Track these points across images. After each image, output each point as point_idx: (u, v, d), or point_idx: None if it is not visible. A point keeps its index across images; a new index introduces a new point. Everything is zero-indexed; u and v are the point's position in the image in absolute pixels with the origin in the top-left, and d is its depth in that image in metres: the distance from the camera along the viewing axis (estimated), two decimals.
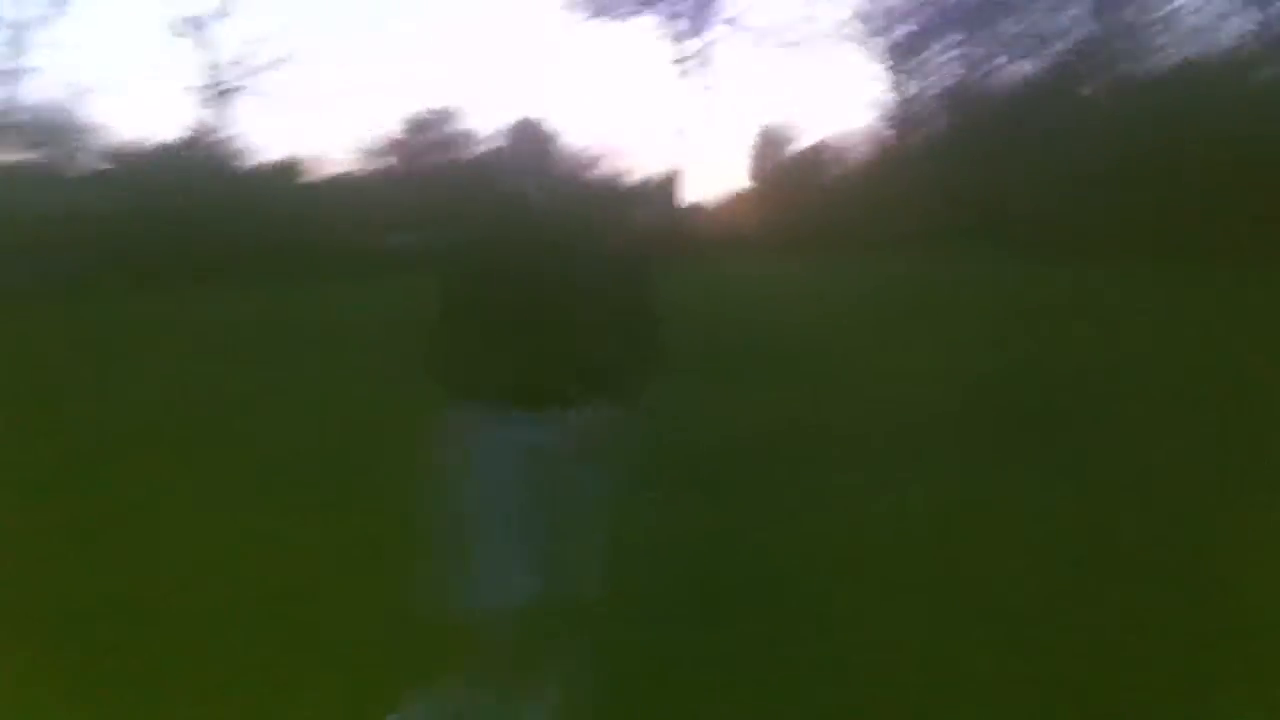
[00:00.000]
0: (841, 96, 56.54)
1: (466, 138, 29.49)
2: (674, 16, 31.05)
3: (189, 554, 4.29)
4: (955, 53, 28.04)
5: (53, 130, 27.40)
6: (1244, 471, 5.12)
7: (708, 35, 30.74)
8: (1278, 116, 18.21)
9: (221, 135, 27.14)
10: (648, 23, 32.42)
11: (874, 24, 29.42)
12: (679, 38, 31.02)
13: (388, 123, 33.08)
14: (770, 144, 33.99)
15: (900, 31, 28.91)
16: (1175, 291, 12.26)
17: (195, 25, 26.79)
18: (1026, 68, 26.06)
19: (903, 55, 28.83)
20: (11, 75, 24.09)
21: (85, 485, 5.45)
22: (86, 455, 6.24)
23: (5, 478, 5.60)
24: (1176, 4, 24.86)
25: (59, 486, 5.43)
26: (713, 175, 58.75)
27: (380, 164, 29.64)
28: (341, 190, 26.98)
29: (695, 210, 30.37)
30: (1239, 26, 24.58)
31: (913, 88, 28.71)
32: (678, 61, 31.06)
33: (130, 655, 3.29)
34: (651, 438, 2.86)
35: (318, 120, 52.43)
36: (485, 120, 29.99)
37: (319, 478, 5.48)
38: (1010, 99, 24.37)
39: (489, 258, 2.63)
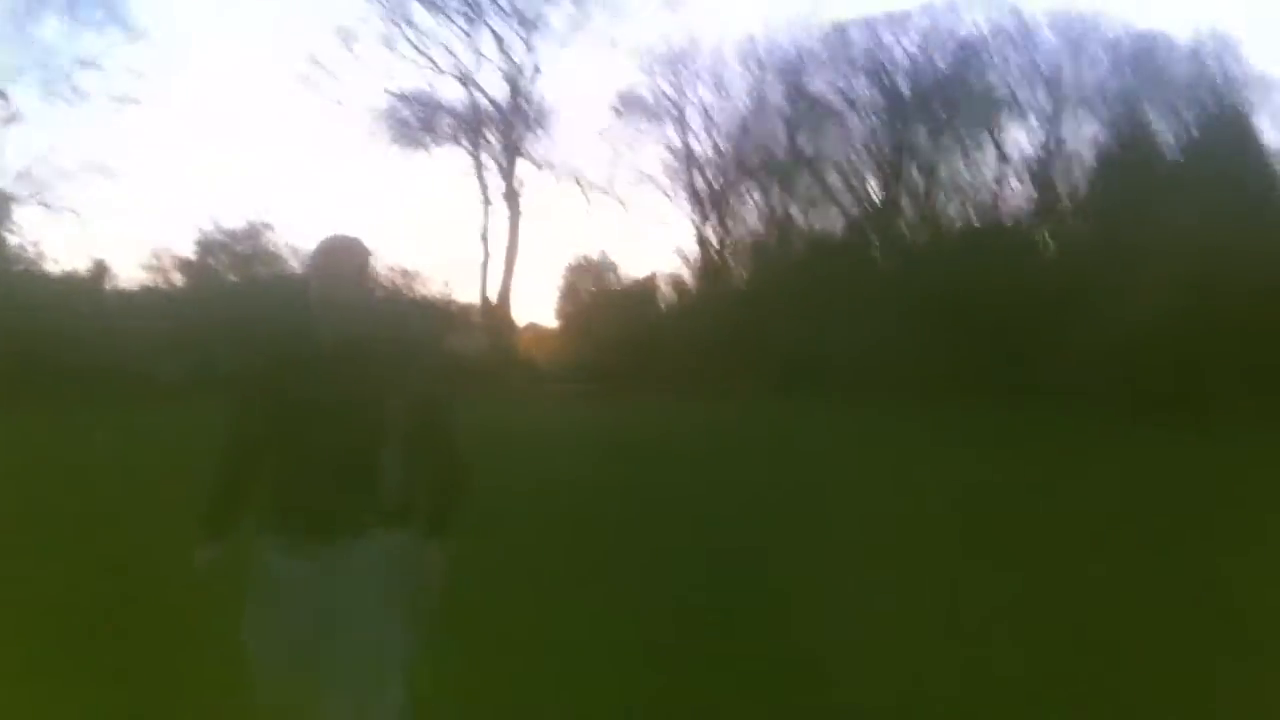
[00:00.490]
0: (648, 240, 58.37)
1: (271, 256, 28.67)
2: (481, 151, 31.57)
3: None
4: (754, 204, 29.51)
5: None
6: None
7: (515, 172, 31.25)
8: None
9: (6, 245, 25.33)
10: (455, 154, 32.69)
11: (677, 172, 30.71)
12: (485, 173, 31.52)
13: (185, 238, 31.64)
14: (579, 280, 34.50)
15: (701, 182, 30.30)
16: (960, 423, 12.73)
17: None
18: (821, 223, 27.58)
19: (707, 205, 30.02)
20: None
21: None
22: None
23: None
24: (961, 174, 27.11)
25: None
26: (521, 307, 59.02)
27: (178, 280, 28.25)
28: (133, 306, 25.64)
29: (503, 339, 30.22)
30: (1019, 193, 27.02)
31: (713, 236, 29.86)
32: (485, 195, 31.38)
33: None
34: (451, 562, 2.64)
35: (113, 232, 49.84)
36: (291, 237, 29.02)
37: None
38: (808, 251, 25.56)
39: (282, 379, 2.59)
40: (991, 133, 27.12)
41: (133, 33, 27.85)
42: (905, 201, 27.39)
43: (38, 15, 26.10)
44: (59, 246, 39.54)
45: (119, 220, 49.56)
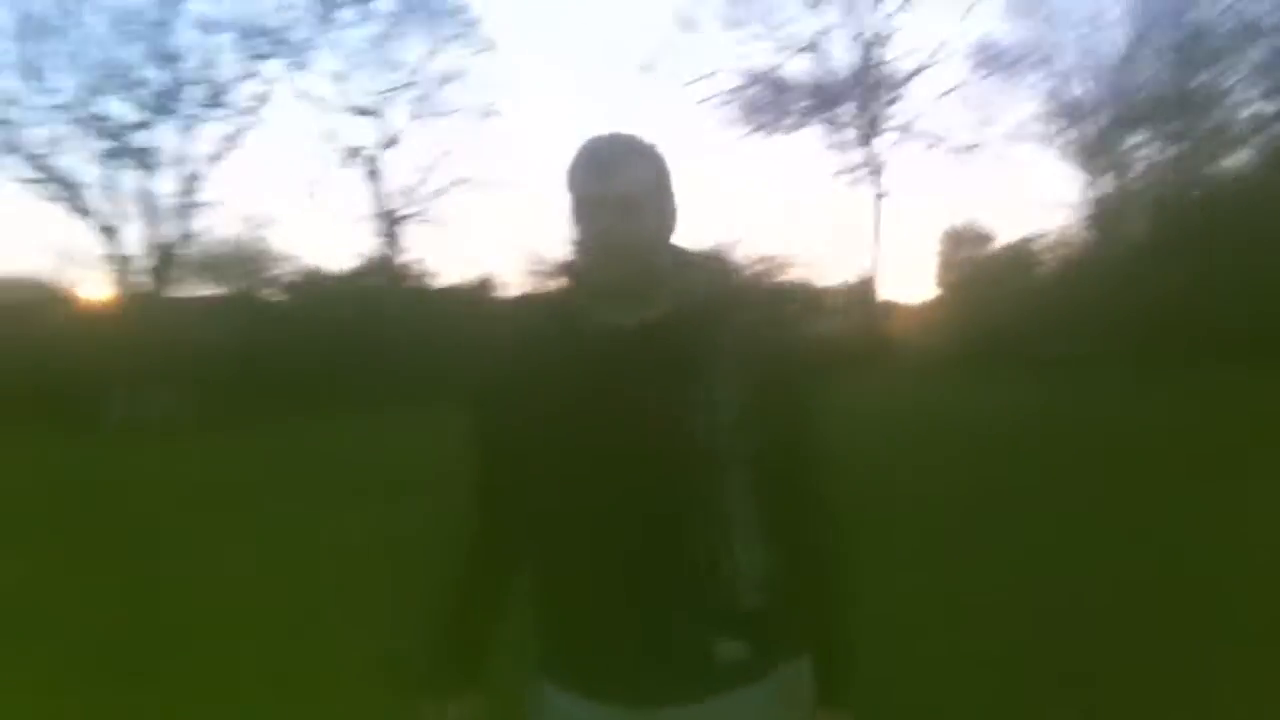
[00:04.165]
0: (1026, 199, 54.37)
1: None
2: (840, 126, 30.89)
3: None
4: (1150, 148, 27.00)
5: (230, 264, 28.88)
6: None
7: (877, 143, 30.49)
8: None
9: (397, 263, 28.11)
10: (811, 132, 32.05)
11: (1057, 122, 28.77)
12: (846, 148, 30.83)
13: (560, 243, 33.55)
14: (952, 250, 33.36)
15: (1081, 132, 28.15)
16: None
17: (362, 155, 28.16)
18: (1231, 161, 24.72)
19: (1092, 154, 27.88)
20: (187, 210, 25.98)
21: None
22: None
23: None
24: None
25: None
26: (893, 285, 57.73)
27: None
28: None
29: (875, 321, 29.68)
30: None
31: (1105, 187, 27.65)
32: (848, 171, 30.81)
33: None
34: None
35: (492, 244, 54.16)
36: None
37: None
38: (1214, 194, 23.05)
39: (536, 412, 1.62)
40: None
41: (484, 44, 29.35)
42: None
43: (400, 37, 28.30)
44: (442, 261, 44.28)
45: (496, 232, 53.25)
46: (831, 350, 24.33)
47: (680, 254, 1.67)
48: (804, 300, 28.58)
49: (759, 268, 28.79)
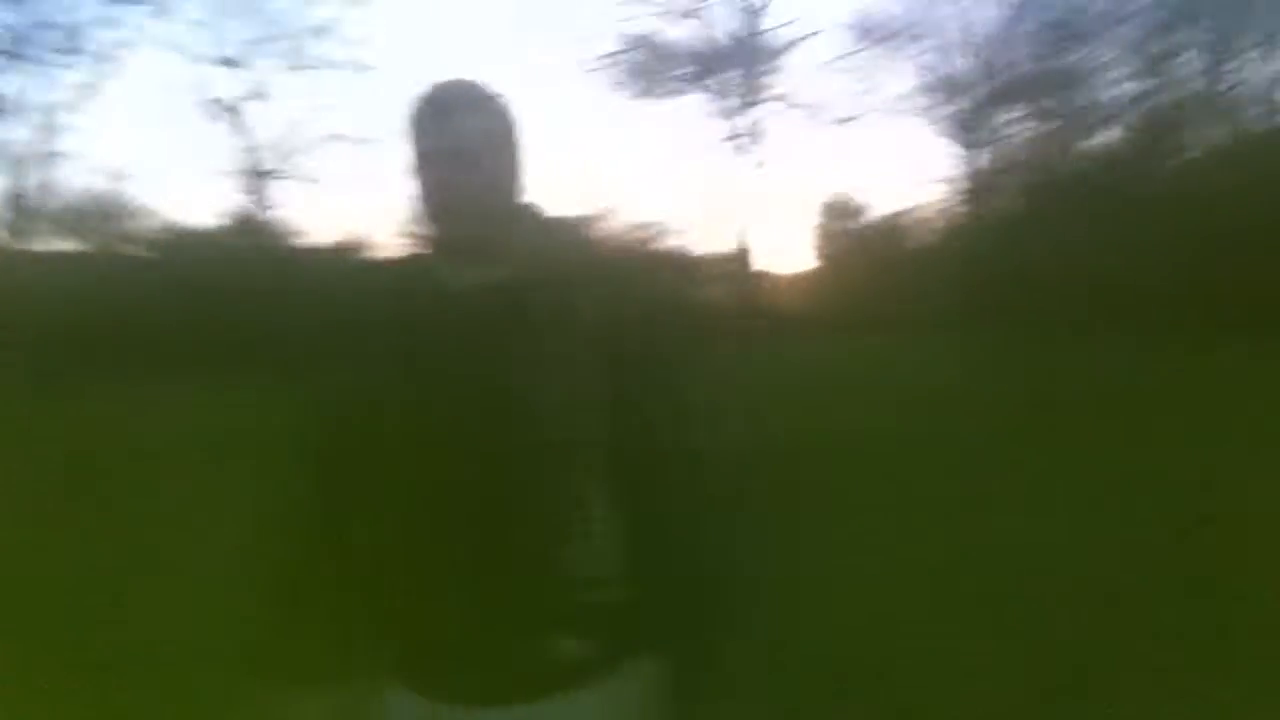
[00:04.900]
0: (904, 171, 55.18)
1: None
2: (722, 95, 30.63)
3: None
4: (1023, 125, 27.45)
5: (88, 216, 27.37)
6: None
7: (758, 111, 30.26)
8: None
9: (262, 219, 26.94)
10: (695, 100, 31.86)
11: (935, 96, 28.95)
12: (729, 114, 30.58)
13: None
14: (832, 220, 33.52)
15: (955, 105, 28.36)
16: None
17: (229, 109, 26.71)
18: (1099, 138, 25.30)
19: (968, 128, 28.22)
20: (44, 160, 24.28)
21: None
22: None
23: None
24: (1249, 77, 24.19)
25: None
26: (774, 253, 58.28)
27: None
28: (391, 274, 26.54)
29: (760, 289, 29.65)
30: None
31: (981, 160, 28.03)
32: (729, 139, 30.50)
33: None
34: None
35: (365, 202, 52.64)
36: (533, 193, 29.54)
37: None
38: (1085, 170, 23.59)
39: (377, 370, 1.46)
40: None
41: None
42: (1185, 112, 24.66)
43: None
44: (310, 219, 42.74)
45: (366, 191, 52.05)
46: (702, 319, 24.06)
47: (533, 215, 1.53)
48: (678, 268, 28.43)
49: (634, 234, 28.72)
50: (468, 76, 1.49)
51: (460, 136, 1.40)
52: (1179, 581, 4.65)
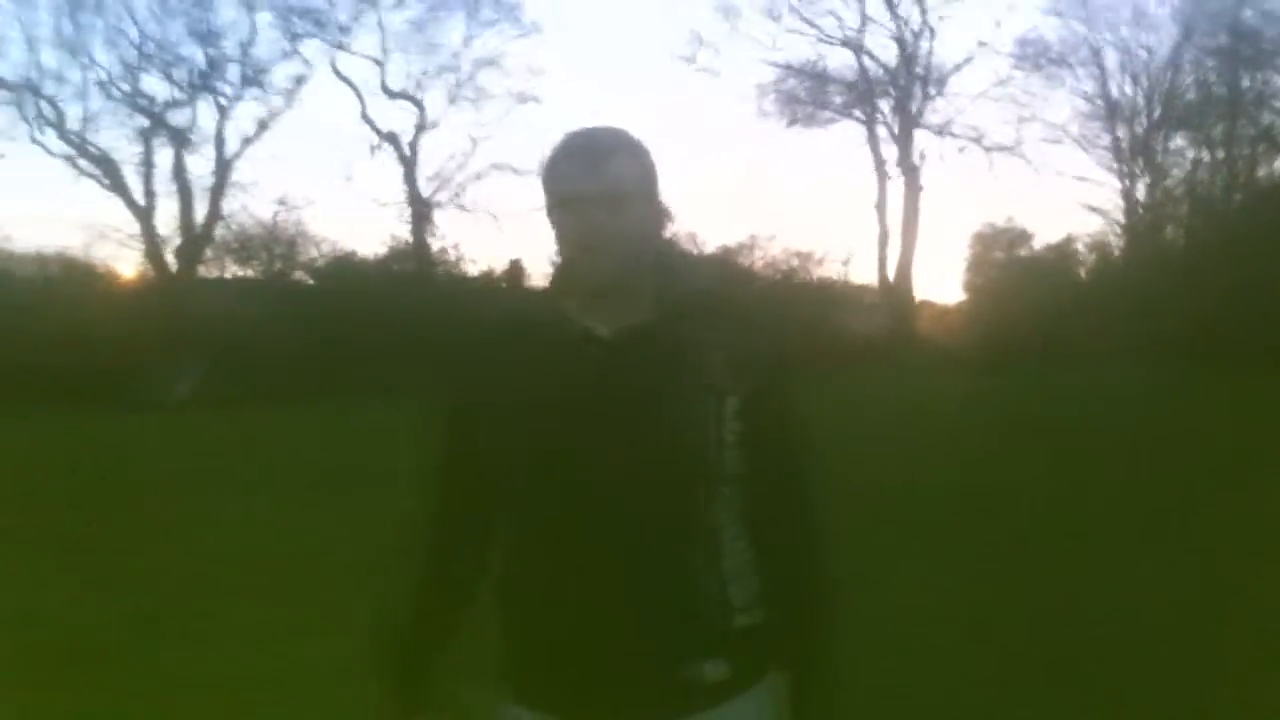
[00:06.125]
0: (1063, 200, 53.30)
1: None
2: (880, 122, 30.79)
3: None
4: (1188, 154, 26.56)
5: (261, 245, 28.58)
6: None
7: (913, 140, 30.27)
8: None
9: (427, 247, 28.02)
10: (852, 127, 32.09)
11: (1095, 124, 28.41)
12: (880, 144, 30.66)
13: None
14: (987, 249, 32.98)
15: (1122, 132, 27.77)
16: None
17: (394, 140, 28.08)
18: (1267, 168, 24.31)
19: (1129, 156, 27.49)
20: (219, 191, 26.08)
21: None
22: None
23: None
24: None
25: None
26: (925, 283, 57.17)
27: None
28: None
29: (905, 319, 29.43)
30: None
31: (1142, 189, 27.26)
32: (881, 168, 30.63)
33: None
34: None
35: (526, 231, 53.75)
36: (685, 224, 29.85)
37: None
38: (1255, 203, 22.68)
39: (513, 412, 1.51)
40: None
41: (527, 30, 29.06)
42: None
43: (441, 21, 28.41)
44: (476, 248, 44.10)
45: (532, 219, 52.84)
46: (858, 348, 24.10)
47: (667, 256, 1.56)
48: (832, 298, 28.40)
49: (792, 262, 28.73)
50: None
51: (607, 182, 1.42)
52: None
